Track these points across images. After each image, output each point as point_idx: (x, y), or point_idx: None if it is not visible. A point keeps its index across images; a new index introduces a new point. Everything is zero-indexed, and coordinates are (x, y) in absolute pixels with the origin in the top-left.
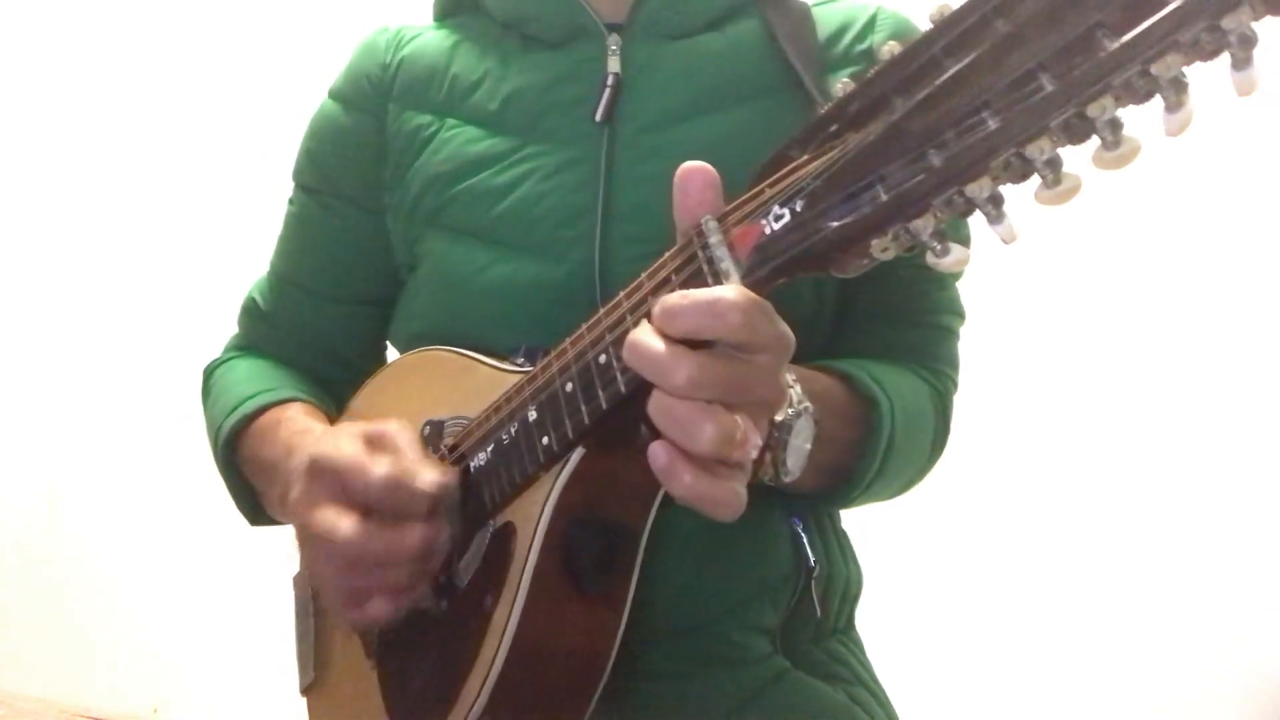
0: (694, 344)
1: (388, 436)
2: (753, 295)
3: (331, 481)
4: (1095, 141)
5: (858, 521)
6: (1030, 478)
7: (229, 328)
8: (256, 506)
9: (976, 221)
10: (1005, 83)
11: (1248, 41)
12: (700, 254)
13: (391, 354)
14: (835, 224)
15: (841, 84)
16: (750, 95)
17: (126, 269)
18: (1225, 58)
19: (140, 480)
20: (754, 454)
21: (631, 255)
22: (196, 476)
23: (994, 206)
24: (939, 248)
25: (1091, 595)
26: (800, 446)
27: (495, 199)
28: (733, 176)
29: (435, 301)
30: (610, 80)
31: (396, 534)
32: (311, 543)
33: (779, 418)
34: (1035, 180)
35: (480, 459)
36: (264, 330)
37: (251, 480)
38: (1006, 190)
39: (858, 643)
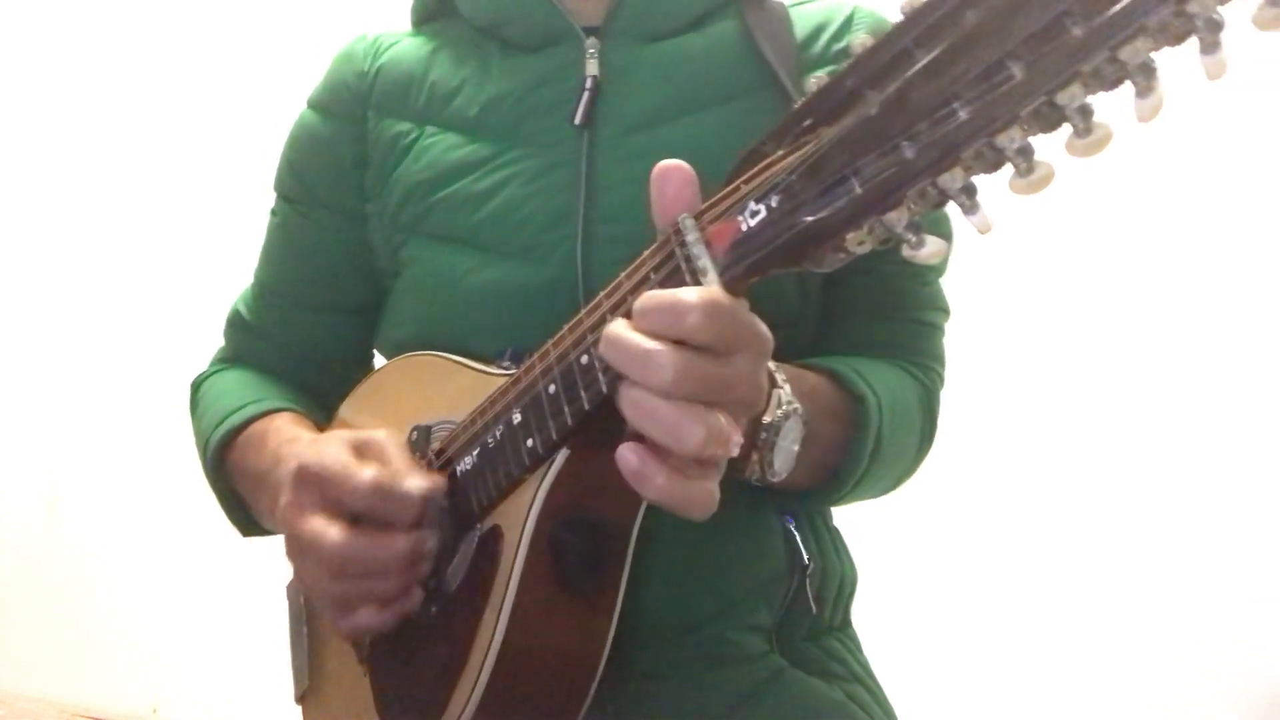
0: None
1: (374, 443)
2: (717, 296)
3: (319, 489)
4: (1068, 129)
5: (854, 519)
6: (1031, 475)
7: None
8: (247, 518)
9: (955, 215)
10: (975, 73)
11: (1214, 25)
12: (678, 252)
13: (379, 361)
14: (811, 218)
15: (815, 79)
16: (729, 96)
17: (126, 269)
18: (1194, 42)
19: (140, 480)
20: (735, 452)
21: (614, 257)
22: (196, 477)
23: (968, 197)
24: (914, 239)
25: (1090, 594)
26: (788, 448)
27: (477, 205)
28: (713, 177)
29: (420, 308)
30: (588, 83)
31: (384, 541)
32: (301, 551)
33: (768, 419)
34: (1009, 170)
35: (466, 463)
36: (250, 342)
37: (241, 492)
38: (983, 181)
39: (854, 640)
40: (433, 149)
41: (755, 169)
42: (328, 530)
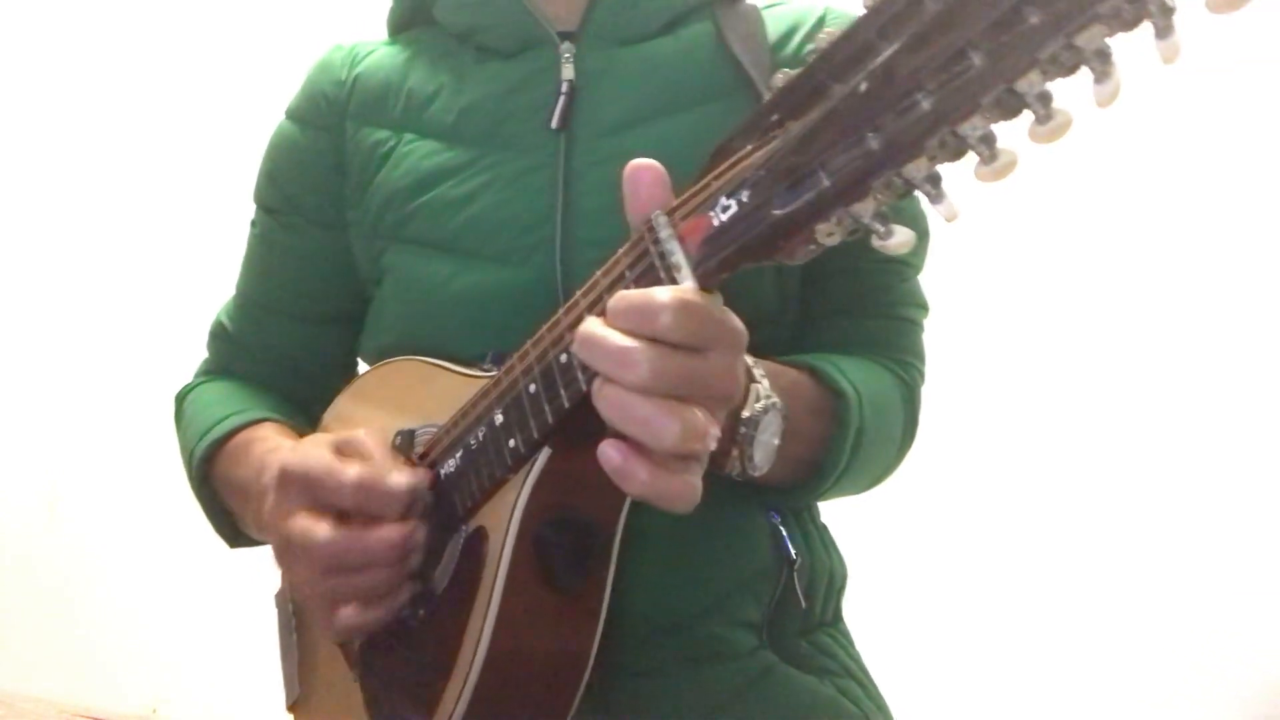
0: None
1: (356, 442)
2: (688, 294)
3: (303, 489)
4: (1029, 116)
5: (845, 514)
6: (1026, 471)
7: None
8: (234, 529)
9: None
10: (937, 63)
11: (1166, 10)
12: (652, 249)
13: (362, 369)
14: (780, 212)
15: (782, 73)
16: (703, 98)
17: (126, 270)
18: (1149, 27)
19: (140, 481)
20: (712, 446)
21: (593, 258)
22: None
23: (933, 186)
24: (883, 230)
25: (1089, 593)
26: (768, 442)
27: (456, 210)
28: (688, 178)
29: (402, 314)
30: (564, 87)
31: (372, 535)
32: (289, 552)
33: (746, 413)
34: (973, 158)
35: (450, 465)
36: (233, 353)
37: (227, 502)
38: (953, 173)
39: (846, 635)
40: (411, 156)
41: (725, 165)
42: (315, 527)
